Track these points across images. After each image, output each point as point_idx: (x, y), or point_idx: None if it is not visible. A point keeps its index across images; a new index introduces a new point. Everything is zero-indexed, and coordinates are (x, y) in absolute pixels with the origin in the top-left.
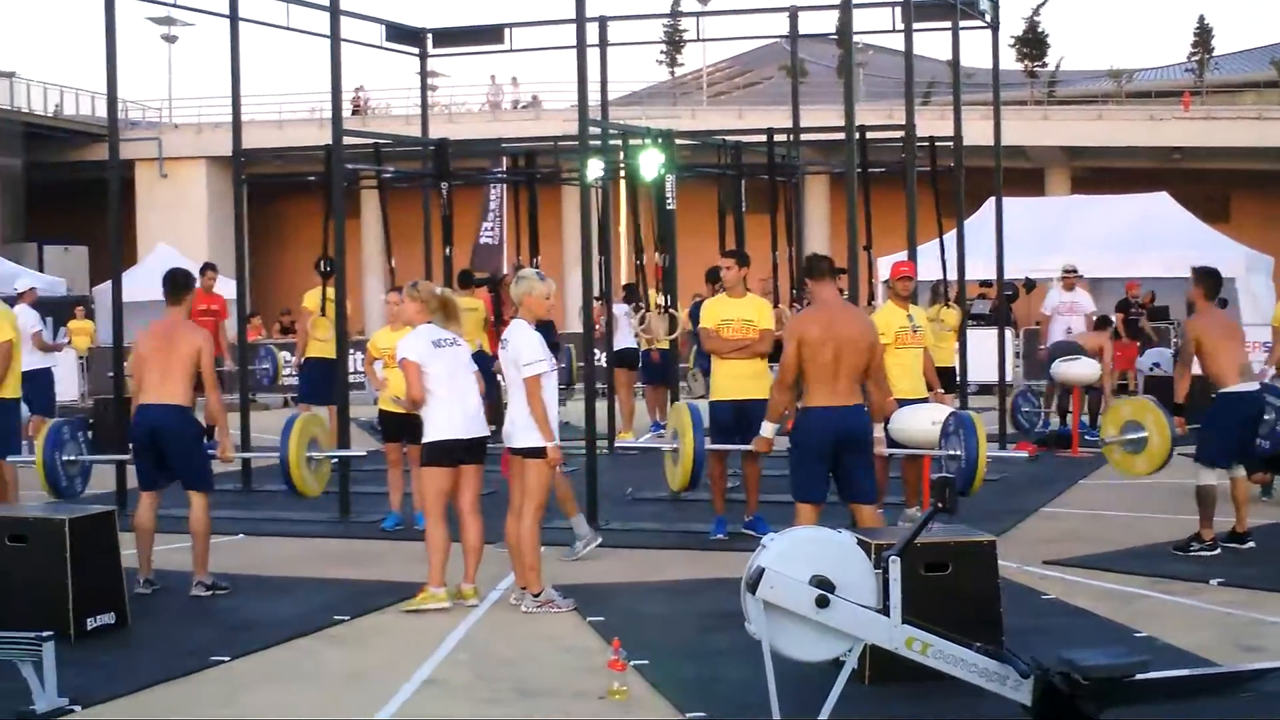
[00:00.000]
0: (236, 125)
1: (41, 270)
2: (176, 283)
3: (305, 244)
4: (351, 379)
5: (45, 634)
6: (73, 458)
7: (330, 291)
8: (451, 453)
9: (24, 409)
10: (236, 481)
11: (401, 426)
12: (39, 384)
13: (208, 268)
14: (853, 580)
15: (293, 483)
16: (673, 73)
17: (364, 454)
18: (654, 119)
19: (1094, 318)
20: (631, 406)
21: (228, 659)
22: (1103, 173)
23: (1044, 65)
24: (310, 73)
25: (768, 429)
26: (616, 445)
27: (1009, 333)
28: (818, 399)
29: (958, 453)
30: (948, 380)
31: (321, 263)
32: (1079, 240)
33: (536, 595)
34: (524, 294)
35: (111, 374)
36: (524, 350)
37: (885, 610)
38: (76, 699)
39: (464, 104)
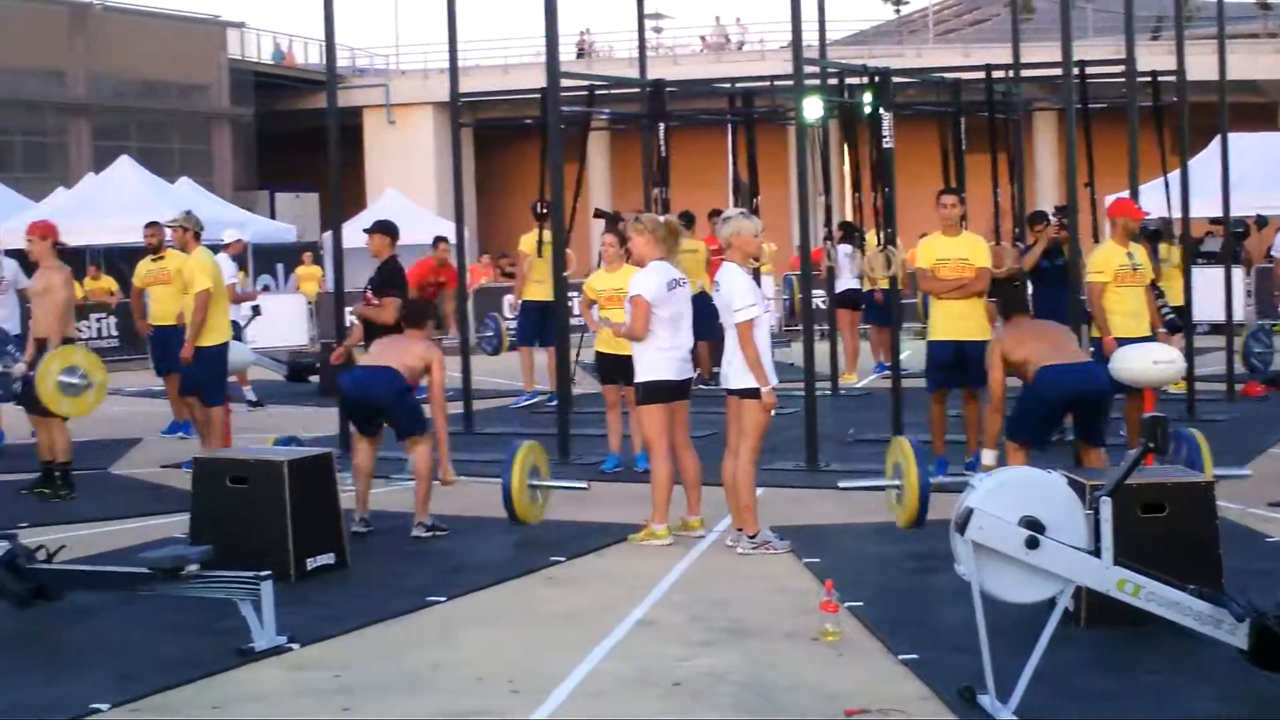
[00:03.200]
0: (454, 70)
1: (273, 216)
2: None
3: (530, 188)
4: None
5: (263, 573)
6: None
7: (547, 234)
8: (665, 392)
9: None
10: (459, 425)
11: (618, 368)
12: None
13: (440, 240)
14: (1063, 521)
15: (514, 511)
16: (898, 11)
17: (585, 485)
18: (878, 58)
19: None
20: (855, 348)
21: (443, 599)
22: None
23: None
24: (536, 17)
25: (989, 458)
26: (839, 387)
27: (1239, 271)
28: (1049, 360)
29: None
30: (1181, 318)
31: (537, 205)
32: None
33: (752, 537)
34: (732, 234)
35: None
36: (736, 294)
37: (1096, 552)
38: (294, 637)
39: (687, 45)
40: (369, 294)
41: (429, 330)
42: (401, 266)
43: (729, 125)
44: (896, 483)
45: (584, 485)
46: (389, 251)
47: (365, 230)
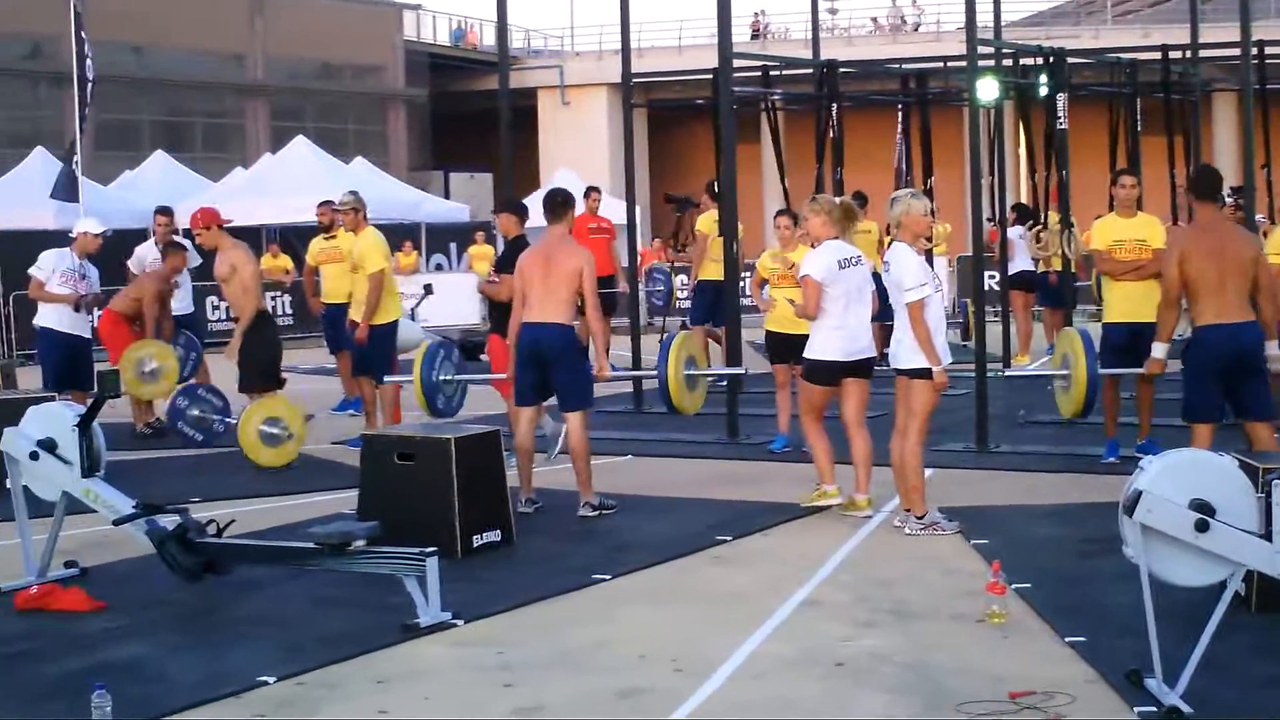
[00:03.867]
0: (626, 51)
1: (447, 197)
2: (556, 201)
3: (702, 169)
4: (745, 302)
5: (429, 550)
6: (449, 377)
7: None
8: (830, 373)
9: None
10: (628, 403)
11: (789, 348)
12: None
13: (592, 190)
14: (1234, 504)
15: (671, 401)
16: None
17: (744, 370)
18: (1056, 39)
19: None
20: (1028, 329)
21: (608, 577)
22: None
23: None
24: None
25: (1159, 350)
26: (1010, 369)
27: None
28: (1207, 316)
29: None
30: None
31: (713, 185)
32: None
33: (920, 518)
34: (901, 214)
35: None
36: (905, 274)
37: (1268, 535)
38: (459, 613)
39: (862, 26)
40: (492, 272)
41: (570, 220)
42: (527, 245)
43: (901, 106)
44: (1065, 372)
45: (741, 370)
46: (517, 230)
47: (493, 211)
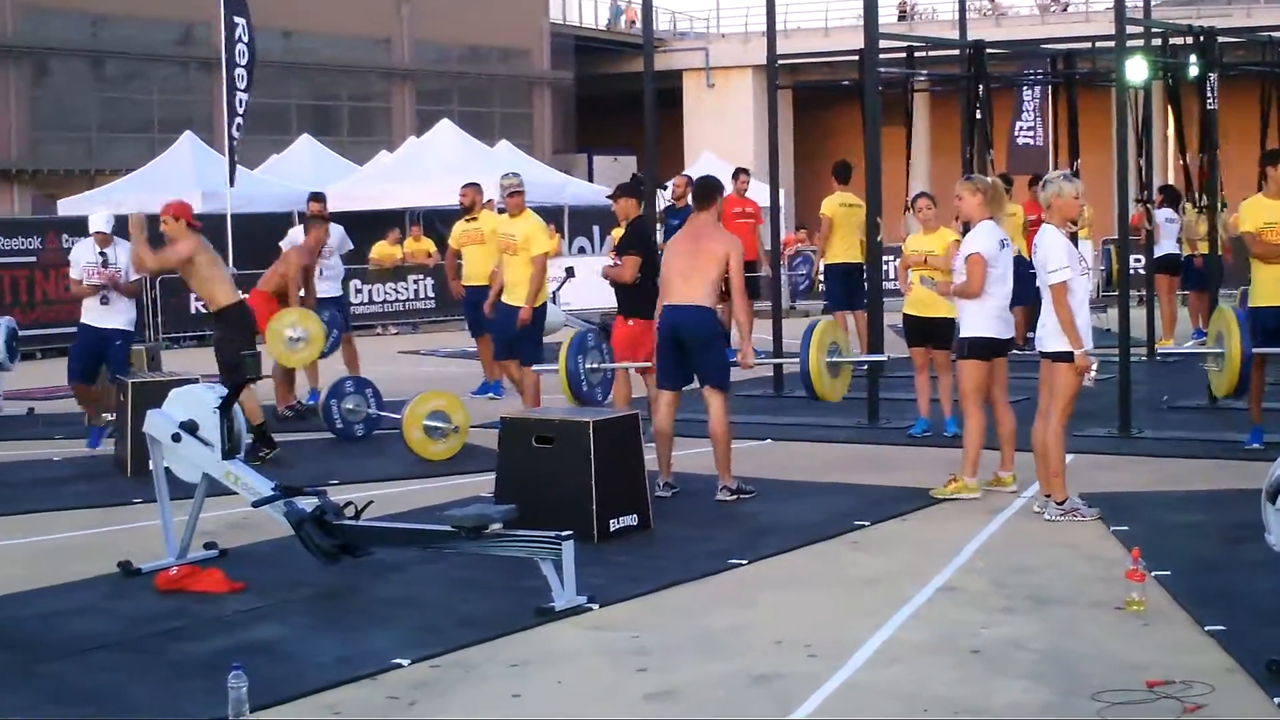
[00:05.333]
0: (771, 32)
1: (591, 180)
2: (705, 189)
3: (850, 153)
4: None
5: (564, 533)
6: (594, 365)
7: (848, 197)
8: (990, 349)
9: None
10: (767, 388)
11: (926, 331)
12: None
13: (740, 172)
14: None
15: (813, 388)
16: None
17: (885, 358)
18: (1205, 18)
19: None
20: (1173, 313)
21: (744, 562)
22: None
23: None
24: None
25: None
26: (1157, 352)
27: None
28: None
29: None
30: None
31: (838, 168)
32: None
33: (1060, 503)
34: (1052, 196)
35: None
36: (1050, 256)
37: None
38: (594, 597)
39: (1011, 6)
40: (613, 255)
41: (718, 207)
42: (647, 226)
43: (1049, 87)
44: (1219, 350)
45: (883, 357)
46: (636, 212)
47: (608, 196)
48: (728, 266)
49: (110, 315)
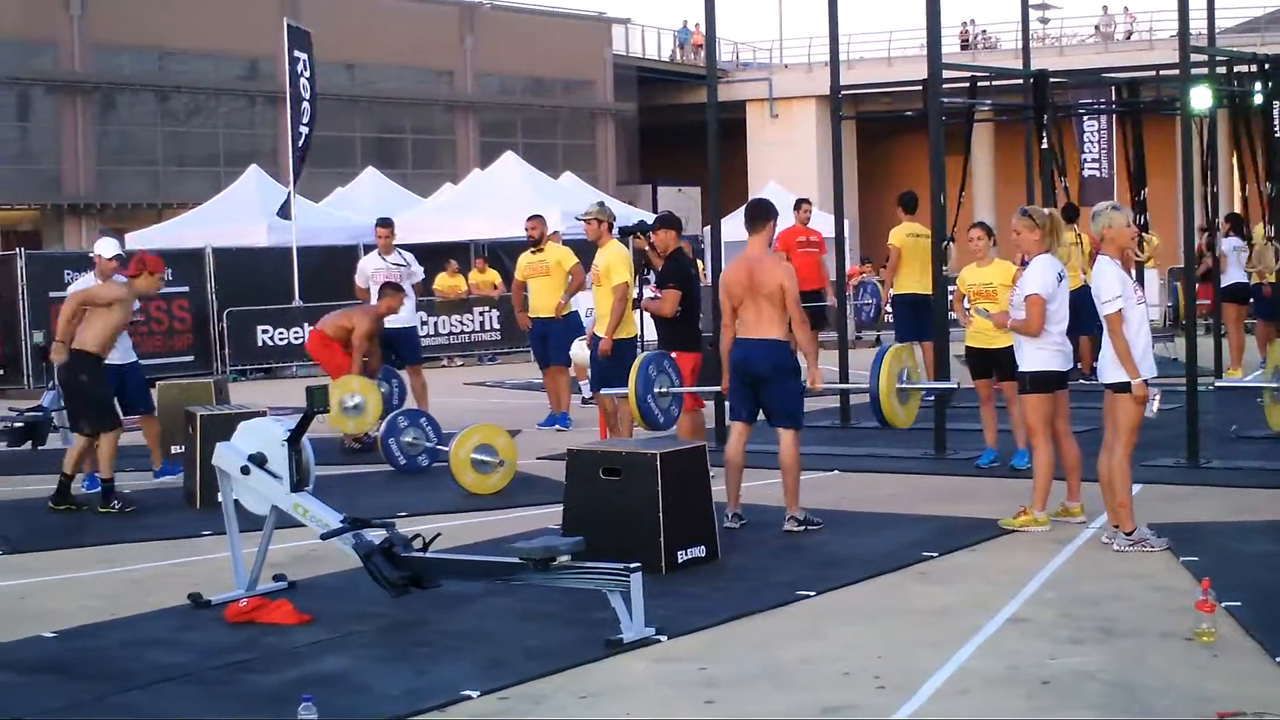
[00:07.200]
0: (834, 63)
1: (655, 210)
2: (756, 212)
3: (914, 183)
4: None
5: (633, 565)
6: (664, 390)
7: (915, 227)
8: (1052, 382)
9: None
10: (834, 418)
11: (989, 363)
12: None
13: (802, 202)
14: None
15: (883, 414)
16: None
17: (955, 385)
18: (1270, 45)
19: None
20: (1241, 342)
21: (813, 594)
22: None
23: None
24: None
25: None
26: (1223, 382)
27: None
28: None
29: None
30: None
31: (904, 198)
32: None
33: (1129, 534)
34: (1104, 228)
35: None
36: (1103, 287)
37: None
38: (662, 629)
39: (1075, 35)
40: (654, 288)
41: (770, 230)
42: (686, 259)
43: (1113, 116)
44: (1275, 385)
45: (953, 385)
46: (675, 244)
47: (650, 227)
48: (784, 295)
49: (123, 349)
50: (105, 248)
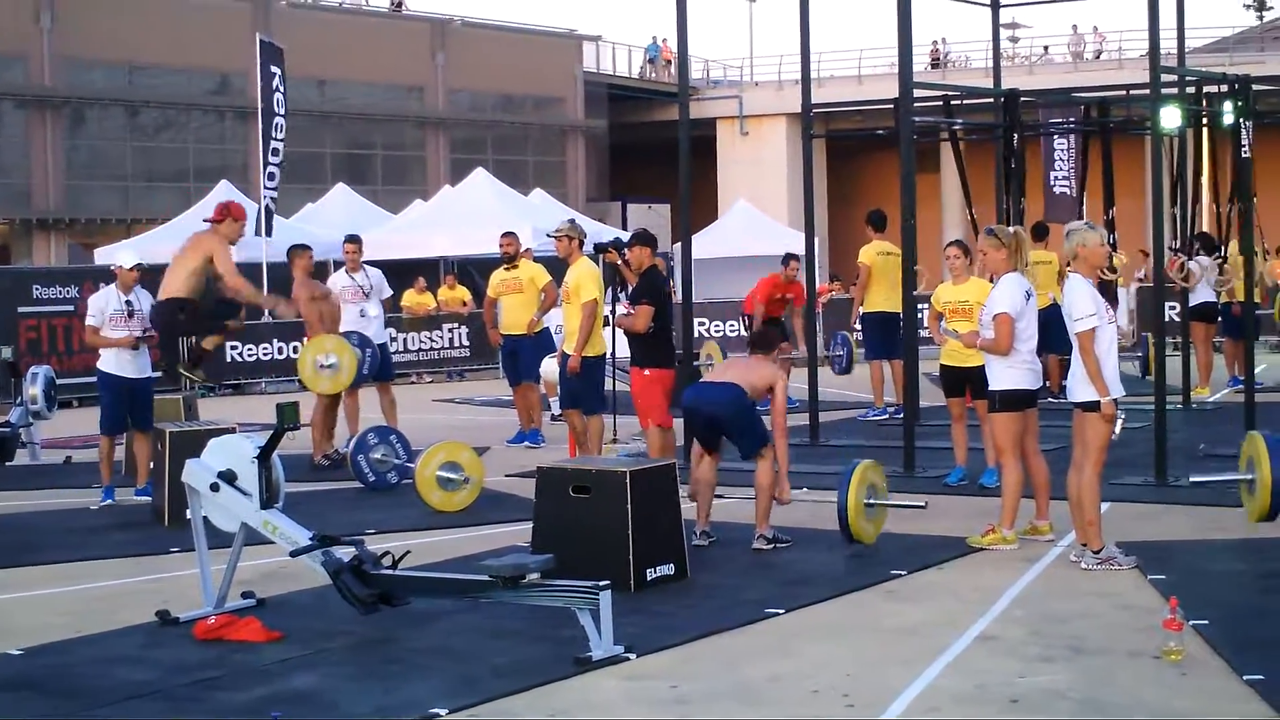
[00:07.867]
0: (806, 81)
1: (624, 228)
2: (764, 338)
3: (884, 201)
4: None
5: (602, 583)
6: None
7: (885, 245)
8: (1021, 400)
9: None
10: (804, 436)
11: (963, 381)
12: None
13: (790, 258)
14: None
15: (850, 531)
16: (1261, 17)
17: (924, 504)
18: (1239, 65)
19: None
20: (1209, 361)
21: (782, 612)
22: None
23: None
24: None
25: None
26: (1192, 401)
27: None
28: None
29: None
30: None
31: (872, 216)
32: None
33: (1097, 552)
34: (1078, 246)
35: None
36: (1076, 304)
37: None
38: (631, 646)
39: (1044, 55)
40: (627, 305)
41: (776, 354)
42: (660, 276)
43: (1083, 135)
44: (1249, 476)
45: (922, 504)
46: (649, 262)
47: (625, 244)
48: (770, 389)
49: (139, 364)
50: (125, 257)
